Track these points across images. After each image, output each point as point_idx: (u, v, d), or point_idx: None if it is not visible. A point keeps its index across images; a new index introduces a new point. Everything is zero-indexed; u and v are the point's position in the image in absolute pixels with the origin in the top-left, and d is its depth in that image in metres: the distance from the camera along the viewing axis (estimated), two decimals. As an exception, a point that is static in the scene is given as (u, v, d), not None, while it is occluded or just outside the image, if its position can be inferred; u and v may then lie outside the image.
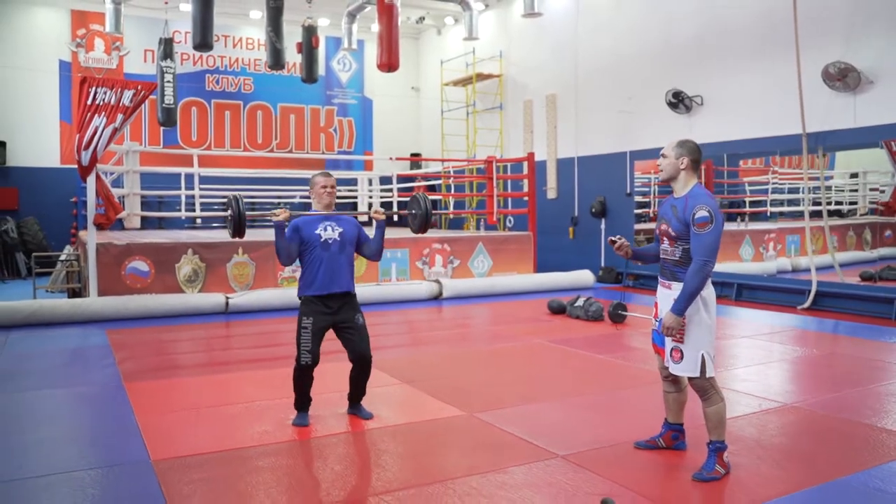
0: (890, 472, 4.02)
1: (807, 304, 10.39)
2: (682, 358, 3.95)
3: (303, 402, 4.95)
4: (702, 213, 3.83)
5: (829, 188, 14.38)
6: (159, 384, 6.20)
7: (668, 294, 4.04)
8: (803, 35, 10.16)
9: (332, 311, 4.84)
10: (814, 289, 10.40)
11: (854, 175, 13.72)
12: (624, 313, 9.13)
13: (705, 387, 3.96)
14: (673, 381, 4.22)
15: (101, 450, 4.58)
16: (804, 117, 10.31)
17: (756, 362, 7.00)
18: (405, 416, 5.16)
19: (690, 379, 3.99)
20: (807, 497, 3.71)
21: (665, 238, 4.03)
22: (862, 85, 9.99)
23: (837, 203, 14.55)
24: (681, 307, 3.88)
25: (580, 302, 9.55)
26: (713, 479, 3.86)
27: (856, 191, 14.05)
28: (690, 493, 3.79)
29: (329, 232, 4.86)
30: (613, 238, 4.27)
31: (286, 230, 4.80)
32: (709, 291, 3.96)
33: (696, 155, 4.01)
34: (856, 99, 10.12)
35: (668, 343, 4.01)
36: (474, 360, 7.31)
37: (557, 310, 9.93)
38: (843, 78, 10.04)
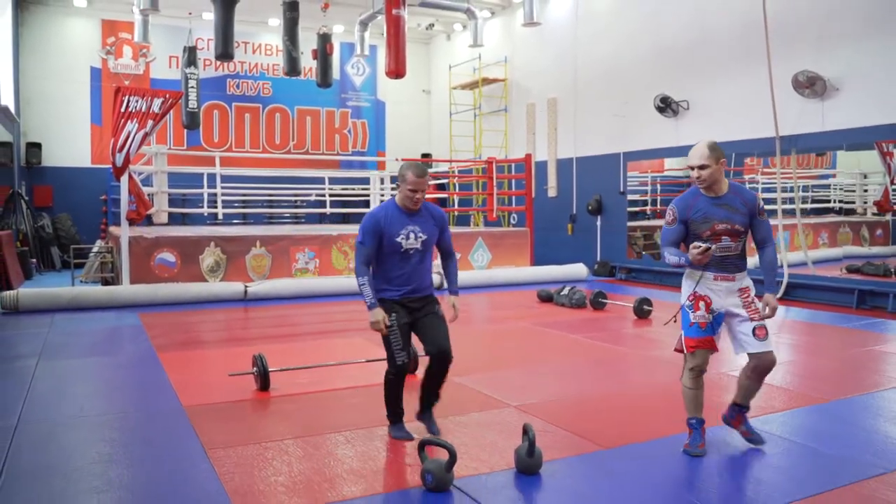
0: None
1: (779, 294, 11.25)
2: (767, 334, 4.21)
3: (396, 412, 4.57)
4: (761, 201, 4.20)
5: (827, 187, 15.25)
6: (187, 354, 7.25)
7: (730, 286, 4.22)
8: (775, 46, 11.01)
9: (413, 310, 4.51)
10: (785, 280, 11.26)
11: (865, 175, 14.55)
12: (604, 301, 10.09)
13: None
14: (702, 372, 4.33)
15: (143, 399, 5.64)
16: (777, 122, 11.16)
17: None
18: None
19: (766, 353, 4.20)
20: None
21: (726, 236, 4.15)
22: (829, 92, 10.83)
23: (840, 202, 15.38)
24: (777, 288, 4.33)
25: (565, 291, 10.49)
26: (703, 452, 4.22)
27: (866, 190, 14.87)
28: (607, 428, 4.73)
29: (411, 241, 4.41)
30: (709, 245, 4.08)
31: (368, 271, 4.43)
32: None
33: (723, 152, 4.22)
34: (823, 105, 10.97)
35: (748, 325, 4.18)
36: (463, 338, 8.23)
37: (546, 298, 10.88)
38: (811, 86, 10.89)
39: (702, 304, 4.25)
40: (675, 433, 4.56)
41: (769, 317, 4.18)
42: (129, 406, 5.46)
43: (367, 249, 4.38)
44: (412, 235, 4.42)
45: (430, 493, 3.68)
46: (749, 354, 4.26)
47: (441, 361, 4.46)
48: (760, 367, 4.26)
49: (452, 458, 3.70)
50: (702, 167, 4.12)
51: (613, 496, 3.66)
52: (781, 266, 11.23)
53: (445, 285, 4.72)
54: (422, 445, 3.84)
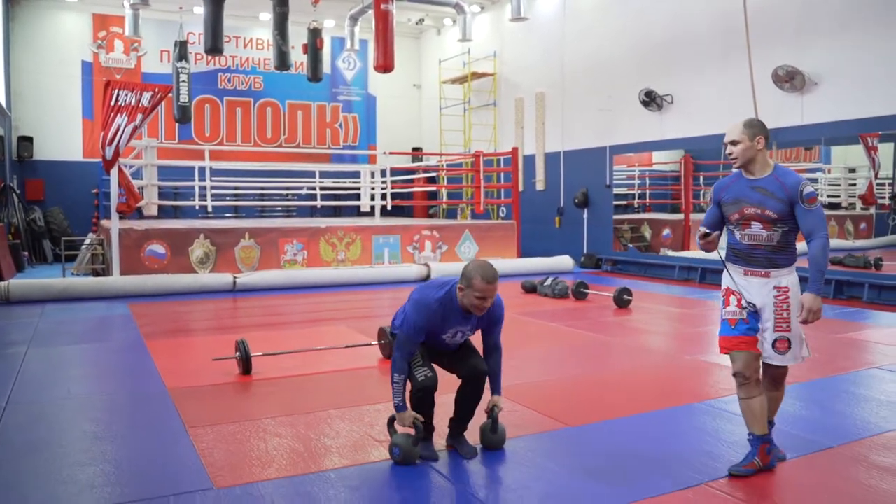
0: None
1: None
2: (788, 347, 3.75)
3: (425, 428, 4.05)
4: (808, 188, 3.64)
5: (815, 181, 15.45)
6: (175, 342, 7.43)
7: (764, 282, 3.76)
8: (756, 41, 11.18)
9: None
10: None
11: (852, 170, 14.75)
12: (586, 291, 10.29)
13: (786, 374, 3.93)
14: (757, 381, 3.83)
15: (129, 383, 5.85)
16: (758, 115, 11.33)
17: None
18: (371, 362, 6.33)
19: (778, 366, 3.84)
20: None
21: (756, 222, 3.74)
22: (808, 86, 11.04)
23: (827, 196, 15.59)
24: (820, 287, 3.60)
25: (548, 282, 10.69)
26: (748, 472, 3.73)
27: (853, 184, 15.07)
28: (574, 408, 4.93)
29: (457, 338, 4.05)
30: (708, 231, 3.86)
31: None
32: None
33: (767, 131, 3.81)
34: (803, 99, 11.18)
35: (770, 333, 3.75)
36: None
37: (529, 289, 11.08)
38: (790, 80, 11.09)
39: (733, 298, 3.86)
40: (640, 412, 4.77)
41: (806, 321, 3.64)
42: (115, 389, 5.67)
43: (412, 347, 3.92)
44: (459, 335, 4.02)
45: (399, 466, 3.87)
46: (764, 364, 3.87)
47: (473, 379, 4.07)
48: (776, 375, 3.92)
49: (418, 433, 3.89)
50: (734, 142, 3.79)
51: (572, 468, 3.85)
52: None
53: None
54: (390, 421, 4.02)
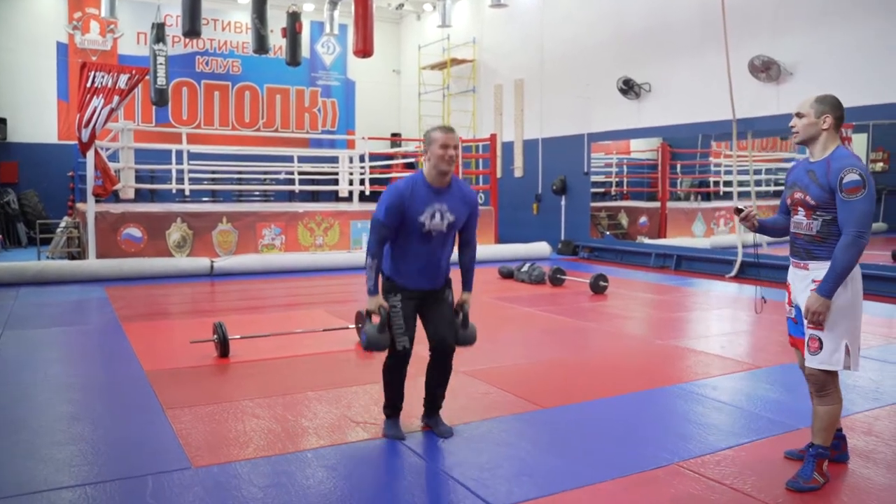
0: None
1: (733, 273, 11.61)
2: (820, 348, 3.41)
3: (395, 405, 4.10)
4: (851, 176, 3.28)
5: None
6: (152, 325, 7.43)
7: (803, 275, 3.50)
8: (732, 30, 11.29)
9: (421, 298, 4.04)
10: (739, 259, 11.62)
11: None
12: (562, 277, 10.39)
13: (826, 382, 3.46)
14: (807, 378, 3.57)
15: (106, 365, 5.85)
16: (734, 104, 11.46)
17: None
18: (349, 346, 6.38)
19: (812, 370, 3.47)
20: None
21: (800, 208, 3.48)
22: (783, 76, 11.16)
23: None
24: (829, 288, 3.31)
25: (525, 268, 10.76)
26: (811, 488, 3.41)
27: None
28: (548, 390, 5.02)
29: (436, 220, 3.84)
30: (740, 207, 3.64)
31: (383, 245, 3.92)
32: (856, 269, 3.40)
33: (839, 112, 3.49)
34: (778, 88, 11.30)
35: (806, 331, 3.48)
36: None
37: (506, 275, 11.16)
38: (766, 70, 11.20)
39: (787, 292, 3.66)
40: (613, 395, 4.86)
41: (809, 321, 3.42)
42: (92, 371, 5.67)
43: (386, 229, 3.83)
44: (438, 215, 3.82)
45: (376, 442, 3.94)
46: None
47: (440, 353, 4.01)
48: (811, 380, 3.53)
49: (382, 320, 3.88)
50: (799, 115, 3.51)
51: (545, 448, 3.92)
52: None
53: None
54: (368, 315, 4.01)
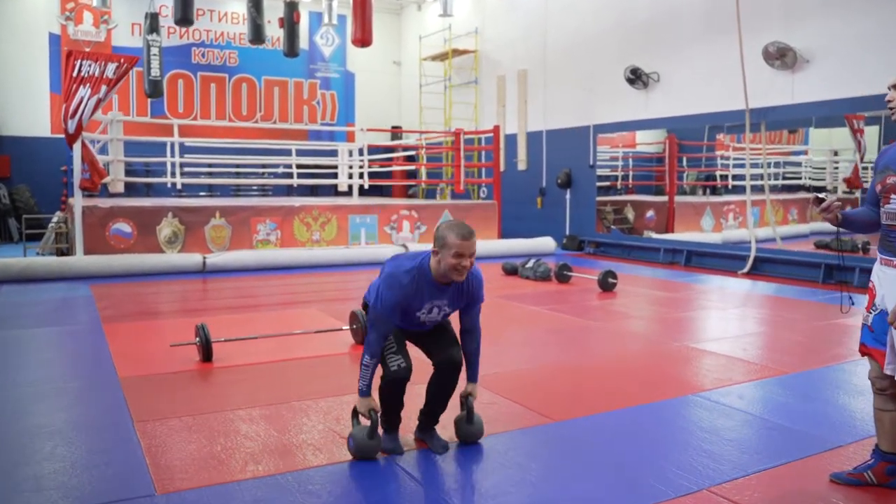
0: None
1: (746, 269, 11.15)
2: None
3: (392, 420, 3.76)
4: None
5: (799, 164, 15.21)
6: (135, 325, 6.99)
7: (894, 274, 3.01)
8: (745, 16, 10.82)
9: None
10: (752, 255, 11.17)
11: (835, 153, 14.50)
12: (569, 274, 9.93)
13: None
14: (893, 395, 3.13)
15: (80, 370, 5.43)
16: (747, 94, 11.00)
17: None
18: (342, 349, 5.95)
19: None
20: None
21: (894, 196, 2.99)
22: (799, 63, 10.69)
23: (810, 179, 15.35)
24: None
25: (530, 264, 10.32)
26: (855, 482, 3.23)
27: (836, 168, 14.81)
28: (558, 401, 4.57)
29: (433, 315, 3.63)
30: (821, 196, 3.16)
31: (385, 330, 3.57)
32: None
33: None
34: (794, 77, 10.82)
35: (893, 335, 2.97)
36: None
37: (510, 271, 10.71)
38: (781, 57, 10.73)
39: (868, 295, 3.17)
40: (629, 405, 4.42)
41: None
42: (63, 377, 5.23)
43: (388, 327, 3.54)
44: (436, 310, 3.60)
45: (366, 468, 3.49)
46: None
47: (447, 370, 3.70)
48: (888, 391, 3.15)
49: (373, 424, 3.52)
50: (895, 88, 3.05)
51: (557, 471, 3.49)
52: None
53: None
54: (354, 412, 3.67)
